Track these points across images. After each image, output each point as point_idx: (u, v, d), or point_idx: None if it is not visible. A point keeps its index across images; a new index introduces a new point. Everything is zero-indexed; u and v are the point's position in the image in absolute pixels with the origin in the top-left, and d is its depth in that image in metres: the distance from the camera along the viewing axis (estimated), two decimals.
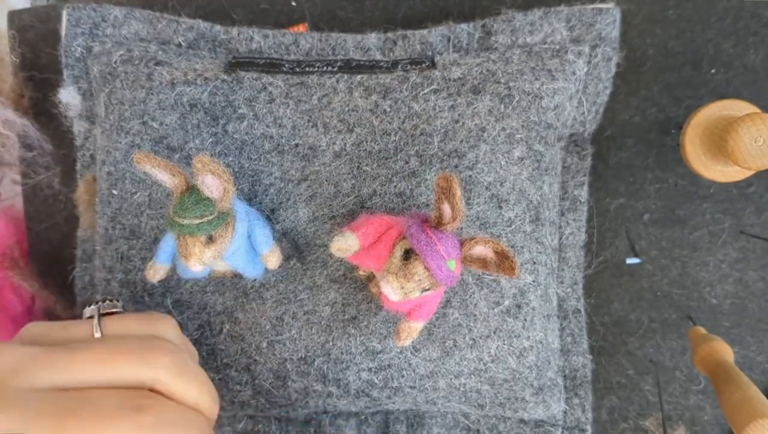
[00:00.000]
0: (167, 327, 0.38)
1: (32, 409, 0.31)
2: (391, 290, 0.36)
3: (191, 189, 0.38)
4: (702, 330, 0.49)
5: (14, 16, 0.56)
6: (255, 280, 0.46)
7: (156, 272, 0.42)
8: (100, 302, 0.38)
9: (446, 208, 0.35)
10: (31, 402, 0.31)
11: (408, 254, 0.36)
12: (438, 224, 0.36)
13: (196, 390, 0.36)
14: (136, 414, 0.31)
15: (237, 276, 0.46)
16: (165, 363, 0.34)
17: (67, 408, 0.31)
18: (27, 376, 0.32)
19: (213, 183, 0.37)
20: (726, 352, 0.46)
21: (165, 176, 0.38)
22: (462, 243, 0.36)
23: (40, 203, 0.55)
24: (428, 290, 0.36)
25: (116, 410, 0.31)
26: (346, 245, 0.39)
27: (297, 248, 0.46)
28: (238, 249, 0.41)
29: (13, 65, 0.55)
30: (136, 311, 0.46)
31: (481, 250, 0.36)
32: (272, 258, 0.43)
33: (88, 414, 0.31)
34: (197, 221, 0.37)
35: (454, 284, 0.36)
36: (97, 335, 0.36)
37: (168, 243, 0.42)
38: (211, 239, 0.38)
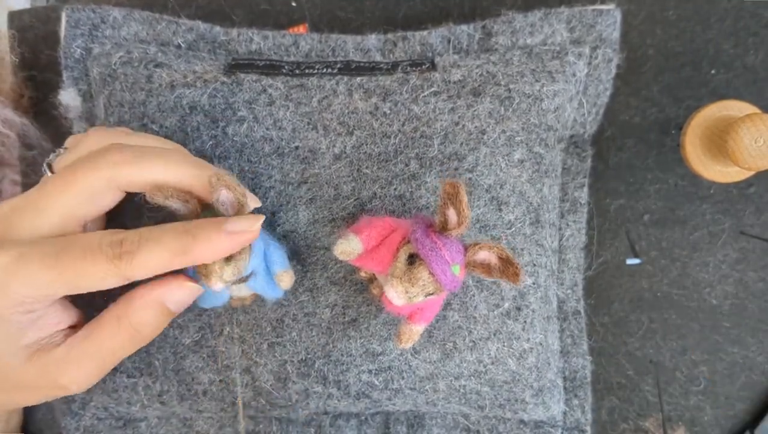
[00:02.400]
0: (102, 134, 0.41)
1: (29, 249, 0.36)
2: (395, 295, 0.36)
3: (206, 210, 0.38)
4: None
5: (14, 17, 0.56)
6: None
7: None
8: (49, 158, 0.43)
9: (451, 214, 0.35)
10: (27, 246, 0.36)
11: (412, 259, 0.36)
12: (443, 229, 0.36)
13: (161, 166, 0.39)
14: (114, 247, 0.36)
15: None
16: (113, 159, 0.38)
17: (61, 248, 0.36)
18: (17, 226, 0.38)
19: (227, 199, 0.37)
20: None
21: (179, 205, 0.38)
22: (466, 248, 0.36)
23: None
24: (432, 294, 0.36)
25: (97, 246, 0.36)
26: (349, 248, 0.39)
27: (295, 251, 0.46)
28: (256, 269, 0.41)
29: (13, 65, 0.55)
30: None
31: (485, 256, 0.36)
32: (286, 278, 0.43)
33: (75, 251, 0.36)
34: None
35: (457, 289, 0.37)
36: (49, 174, 0.41)
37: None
38: (229, 258, 0.38)
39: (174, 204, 0.38)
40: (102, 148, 0.39)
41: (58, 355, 0.39)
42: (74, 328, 0.41)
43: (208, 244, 0.36)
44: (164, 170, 0.39)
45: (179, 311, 0.42)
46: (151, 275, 0.37)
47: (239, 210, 0.38)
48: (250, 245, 0.39)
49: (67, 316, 0.40)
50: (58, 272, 0.36)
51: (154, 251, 0.36)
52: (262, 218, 0.38)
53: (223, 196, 0.37)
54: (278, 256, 0.43)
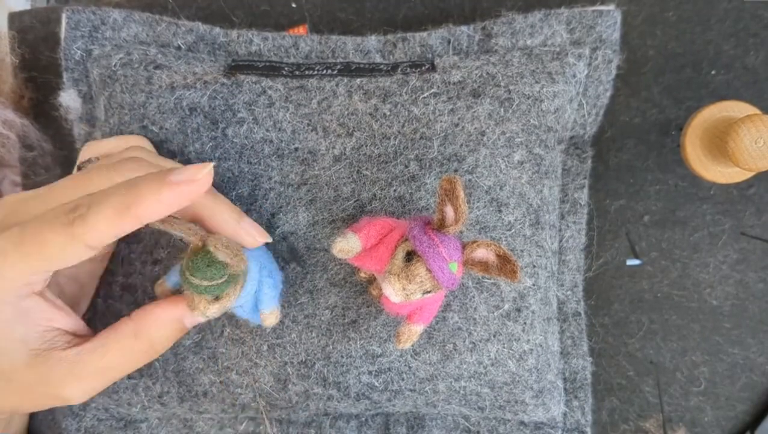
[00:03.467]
0: (132, 169, 0.40)
1: (8, 232, 0.36)
2: (392, 292, 0.36)
3: (205, 249, 0.38)
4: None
5: (14, 18, 0.56)
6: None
7: (164, 291, 0.42)
8: (81, 164, 0.43)
9: (449, 210, 0.35)
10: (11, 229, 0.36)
11: (410, 256, 0.36)
12: (440, 226, 0.36)
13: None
14: (68, 214, 0.35)
15: None
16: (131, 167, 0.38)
17: (22, 226, 0.36)
18: (21, 212, 0.38)
19: (226, 255, 0.37)
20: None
21: (183, 235, 0.38)
22: (464, 246, 0.36)
23: None
24: (429, 292, 0.36)
25: (53, 216, 0.35)
26: (348, 246, 0.39)
27: (295, 253, 0.46)
28: (245, 304, 0.41)
29: (13, 66, 0.55)
30: None
31: (482, 253, 0.36)
32: (270, 318, 0.43)
33: (34, 224, 0.35)
34: (206, 283, 0.37)
35: (455, 287, 0.37)
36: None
37: (177, 274, 0.42)
38: (217, 298, 0.38)
39: (177, 234, 0.38)
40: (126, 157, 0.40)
41: (65, 365, 0.38)
42: (78, 337, 0.40)
43: (153, 197, 0.34)
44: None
45: (191, 327, 0.42)
46: (109, 238, 0.36)
47: (235, 265, 0.37)
48: (241, 286, 0.39)
49: (62, 317, 0.40)
50: (24, 249, 0.35)
51: (101, 211, 0.34)
52: (209, 166, 0.35)
53: (221, 254, 0.37)
54: (268, 296, 0.42)
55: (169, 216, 0.37)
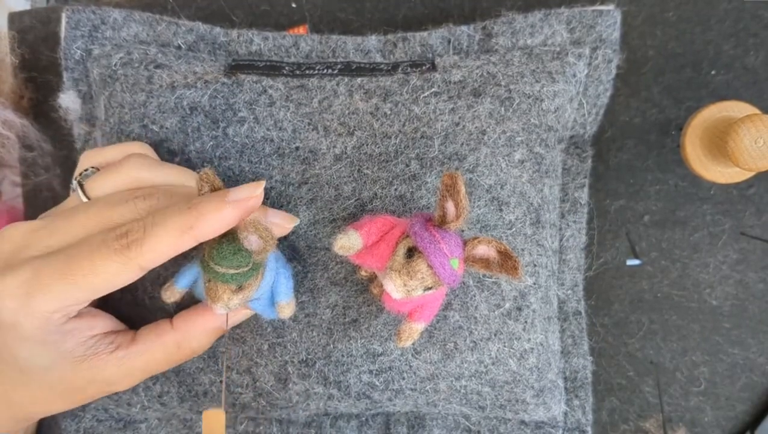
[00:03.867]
0: (139, 166, 0.41)
1: (42, 263, 0.36)
2: (393, 288, 0.36)
3: (230, 236, 0.38)
4: None
5: (14, 18, 0.56)
6: None
7: (173, 294, 0.42)
8: (79, 176, 0.43)
9: (450, 206, 0.35)
10: (39, 261, 0.37)
11: (411, 252, 0.37)
12: (441, 222, 0.36)
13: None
14: (120, 240, 0.36)
15: None
16: (151, 205, 0.39)
17: (67, 255, 0.36)
18: (34, 247, 0.38)
19: (256, 243, 0.37)
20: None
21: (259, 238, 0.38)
22: (465, 243, 0.36)
23: (40, 205, 0.55)
24: (431, 288, 0.36)
25: (102, 243, 0.36)
26: (348, 243, 0.39)
27: (296, 252, 0.46)
28: (262, 295, 0.41)
29: (13, 66, 0.55)
30: (138, 314, 0.46)
31: (484, 250, 0.36)
32: (287, 309, 0.43)
33: (82, 252, 0.36)
34: (232, 272, 0.37)
35: (456, 284, 0.37)
36: (84, 200, 0.41)
37: (191, 271, 0.42)
38: (240, 288, 0.39)
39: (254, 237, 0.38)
40: (139, 192, 0.40)
41: (112, 368, 0.40)
42: (118, 333, 0.42)
43: (214, 215, 0.36)
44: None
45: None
46: (164, 259, 0.37)
47: (262, 253, 0.38)
48: (262, 276, 0.40)
49: (101, 322, 0.42)
50: (72, 279, 0.36)
51: (161, 234, 0.36)
52: (263, 183, 0.38)
53: (253, 239, 0.37)
54: (285, 286, 0.43)
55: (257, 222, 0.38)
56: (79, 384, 0.40)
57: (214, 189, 0.38)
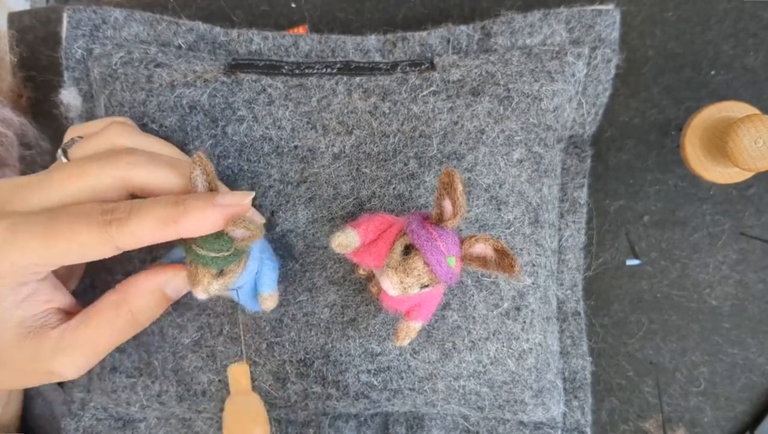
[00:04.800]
0: (120, 132, 0.42)
1: (22, 219, 0.37)
2: (390, 285, 0.36)
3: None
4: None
5: (14, 18, 0.56)
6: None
7: None
8: (63, 145, 0.43)
9: (447, 204, 0.35)
10: (19, 216, 0.37)
11: (408, 250, 0.37)
12: (439, 220, 0.36)
13: (172, 174, 0.40)
14: (105, 214, 0.36)
15: None
16: (128, 160, 0.39)
17: (50, 217, 0.37)
18: (17, 200, 0.38)
19: (241, 235, 0.38)
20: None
21: (202, 189, 0.39)
22: (462, 241, 0.36)
23: None
24: (427, 286, 0.36)
25: (87, 213, 0.37)
26: (346, 241, 0.39)
27: (290, 250, 0.46)
28: (243, 285, 0.41)
29: (12, 65, 0.55)
30: None
31: (481, 248, 0.36)
32: (269, 301, 0.43)
33: (65, 218, 0.36)
34: (213, 255, 0.38)
35: (453, 282, 0.37)
36: (65, 160, 0.42)
37: (177, 254, 0.42)
38: (221, 273, 0.39)
39: (199, 184, 0.39)
40: (120, 148, 0.40)
41: (52, 340, 0.39)
42: (69, 314, 0.41)
43: (198, 214, 0.36)
44: (175, 178, 0.40)
45: (176, 298, 0.43)
46: (140, 244, 0.37)
47: (246, 242, 0.38)
48: (244, 264, 0.40)
49: (60, 296, 0.41)
50: (49, 240, 0.36)
51: (144, 219, 0.36)
52: (251, 195, 0.39)
53: (238, 233, 0.38)
54: (269, 277, 0.43)
55: (210, 165, 0.39)
56: (20, 358, 0.39)
57: (205, 173, 0.38)
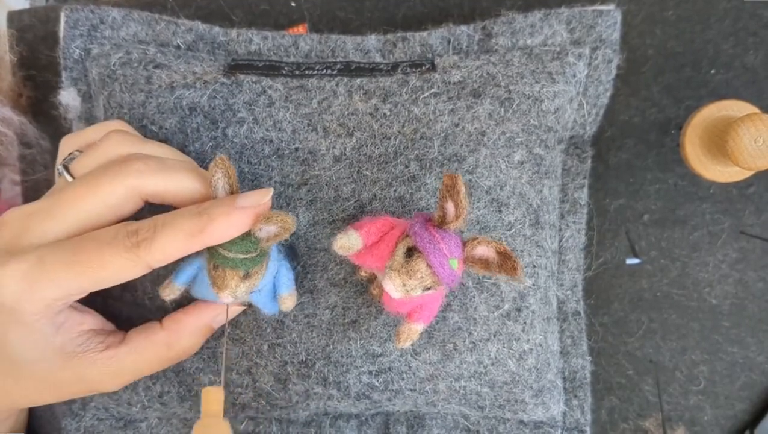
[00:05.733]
0: (121, 141, 0.42)
1: (47, 252, 0.37)
2: (393, 287, 0.36)
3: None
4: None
5: (13, 17, 0.56)
6: None
7: (172, 291, 0.42)
8: (63, 161, 0.43)
9: (450, 207, 0.35)
10: (44, 249, 0.37)
11: (411, 252, 0.37)
12: (441, 223, 0.36)
13: (185, 178, 0.40)
14: (131, 237, 0.37)
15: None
16: (137, 168, 0.39)
17: (76, 246, 0.37)
18: (33, 231, 0.38)
19: (268, 231, 0.38)
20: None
21: (224, 193, 0.39)
22: (464, 243, 0.37)
23: None
24: (430, 288, 0.36)
25: (113, 238, 0.37)
26: (348, 243, 0.39)
27: (294, 253, 0.46)
28: (264, 287, 0.42)
29: (12, 64, 0.55)
30: (137, 314, 0.46)
31: (483, 250, 0.36)
32: (289, 301, 0.43)
33: (92, 245, 0.37)
34: (241, 257, 0.38)
35: (455, 284, 0.37)
36: (70, 180, 0.41)
37: (192, 267, 0.42)
38: (247, 275, 0.39)
39: (221, 188, 0.39)
40: (126, 156, 0.40)
41: (99, 364, 0.40)
42: (106, 333, 0.42)
43: (224, 221, 0.37)
44: (190, 181, 0.40)
45: (217, 328, 0.45)
46: (172, 259, 0.38)
47: (272, 241, 0.39)
48: (267, 265, 0.40)
49: (89, 318, 0.42)
50: (79, 269, 0.37)
51: (170, 235, 0.37)
52: (270, 191, 0.39)
53: (270, 229, 0.38)
54: (287, 278, 0.43)
55: (231, 168, 0.39)
56: (66, 380, 0.40)
57: (227, 176, 0.38)
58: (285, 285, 0.43)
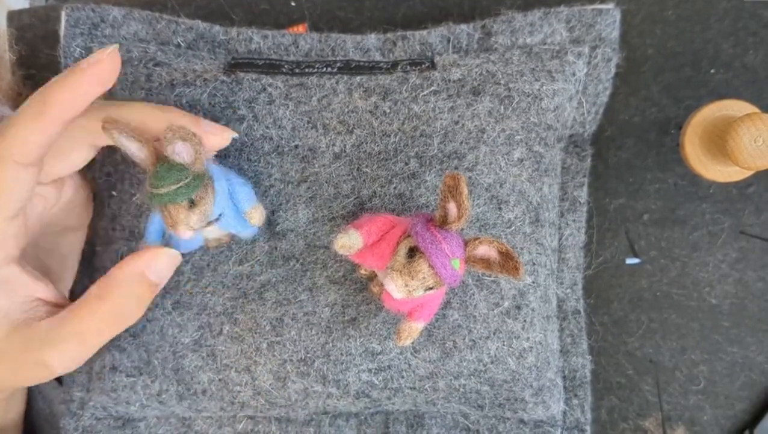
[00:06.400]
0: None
1: None
2: (394, 288, 0.36)
3: (162, 160, 0.38)
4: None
5: (13, 16, 0.56)
6: (255, 281, 0.46)
7: None
8: None
9: (452, 207, 0.35)
10: None
11: (412, 252, 0.36)
12: (443, 222, 0.36)
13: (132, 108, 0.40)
14: None
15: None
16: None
17: None
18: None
19: (184, 149, 0.37)
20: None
21: (134, 147, 0.38)
22: (466, 243, 0.36)
23: None
24: (432, 289, 0.36)
25: None
26: (349, 242, 0.39)
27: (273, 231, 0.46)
28: (224, 210, 0.41)
29: (11, 63, 0.55)
30: None
31: (485, 250, 0.36)
32: (255, 214, 0.43)
33: None
34: (174, 187, 0.37)
35: (457, 284, 0.37)
36: None
37: (154, 222, 0.41)
38: (193, 203, 0.38)
39: (129, 145, 0.38)
40: None
41: (41, 331, 0.39)
42: (58, 306, 0.41)
43: (66, 87, 0.36)
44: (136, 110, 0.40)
45: (162, 282, 0.42)
46: (35, 147, 0.36)
47: (196, 158, 0.38)
48: (211, 187, 0.39)
49: (42, 287, 0.41)
50: None
51: (19, 121, 0.36)
52: (112, 46, 0.38)
53: (179, 147, 0.37)
54: (244, 193, 0.42)
55: (121, 120, 0.37)
56: (11, 349, 0.39)
57: (183, 140, 0.37)
58: (245, 200, 0.42)
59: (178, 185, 0.37)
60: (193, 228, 0.38)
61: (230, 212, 0.42)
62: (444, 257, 0.35)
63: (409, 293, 0.36)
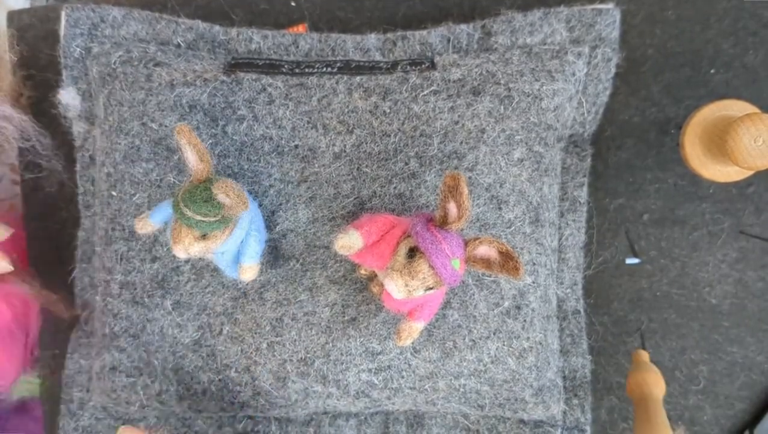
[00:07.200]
0: None
1: None
2: (395, 288, 0.36)
3: (207, 182, 0.38)
4: (645, 356, 0.48)
5: (14, 16, 0.56)
6: (255, 281, 0.46)
7: (145, 226, 0.42)
8: None
9: (452, 207, 0.35)
10: None
11: (412, 253, 0.36)
12: (443, 223, 0.36)
13: None
14: None
15: None
16: None
17: None
18: None
19: (226, 200, 0.37)
20: (656, 386, 0.45)
21: (193, 158, 0.38)
22: (466, 243, 0.36)
23: (40, 202, 0.55)
24: (432, 289, 0.36)
25: None
26: (349, 242, 0.39)
27: (276, 255, 0.46)
28: (226, 252, 0.41)
29: (12, 64, 0.55)
30: (137, 312, 0.46)
31: (485, 250, 0.36)
32: (249, 272, 0.43)
33: None
34: (198, 218, 0.37)
35: (457, 283, 0.37)
36: None
37: (164, 210, 0.42)
38: (204, 236, 0.38)
39: (189, 155, 0.38)
40: None
41: None
42: None
43: None
44: None
45: None
46: None
47: (233, 210, 0.38)
48: (230, 232, 0.40)
49: None
50: None
51: None
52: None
53: (222, 198, 0.37)
54: (252, 249, 0.43)
55: (193, 135, 0.37)
56: None
57: (191, 143, 0.37)
58: (248, 255, 0.42)
59: (203, 219, 0.38)
60: (189, 255, 0.39)
61: (230, 255, 0.42)
62: (444, 258, 0.35)
63: (409, 293, 0.36)
